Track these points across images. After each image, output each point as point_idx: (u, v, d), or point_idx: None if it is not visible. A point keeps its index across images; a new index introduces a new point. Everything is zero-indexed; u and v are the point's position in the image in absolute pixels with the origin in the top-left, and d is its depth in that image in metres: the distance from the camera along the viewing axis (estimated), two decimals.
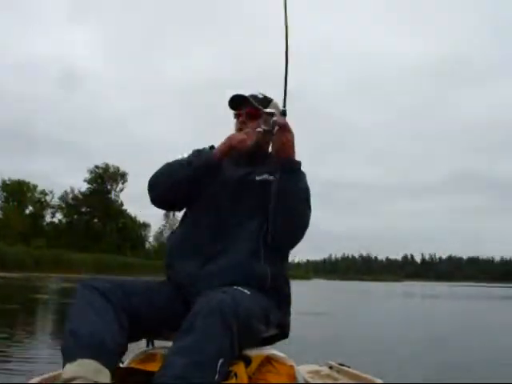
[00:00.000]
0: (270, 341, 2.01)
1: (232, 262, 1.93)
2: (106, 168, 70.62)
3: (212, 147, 2.11)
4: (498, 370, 6.99)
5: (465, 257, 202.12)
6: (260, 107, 2.15)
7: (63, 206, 70.11)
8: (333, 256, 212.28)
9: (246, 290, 1.79)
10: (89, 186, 70.47)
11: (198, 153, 2.11)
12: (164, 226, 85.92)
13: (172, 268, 2.04)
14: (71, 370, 1.56)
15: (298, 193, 1.98)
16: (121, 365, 1.84)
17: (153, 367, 1.77)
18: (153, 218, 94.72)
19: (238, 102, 2.20)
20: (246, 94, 2.20)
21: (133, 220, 74.37)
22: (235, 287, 1.79)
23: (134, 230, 73.55)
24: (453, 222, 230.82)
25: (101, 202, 67.77)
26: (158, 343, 1.99)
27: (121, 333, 1.71)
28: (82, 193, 70.39)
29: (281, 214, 1.96)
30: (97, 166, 70.39)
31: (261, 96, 2.23)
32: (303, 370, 2.07)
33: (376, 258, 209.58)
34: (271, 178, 2.08)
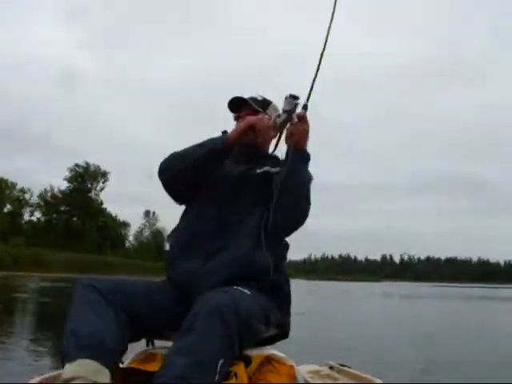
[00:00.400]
0: (270, 341, 2.01)
1: (233, 256, 1.92)
2: (87, 167, 70.18)
3: (225, 132, 2.10)
4: (476, 368, 7.16)
5: (443, 257, 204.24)
6: (260, 109, 2.18)
7: (42, 204, 69.50)
8: (312, 256, 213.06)
9: (246, 290, 1.79)
10: (69, 184, 70.04)
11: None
12: (144, 225, 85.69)
13: (173, 266, 2.02)
14: (71, 369, 1.56)
15: (305, 180, 2.00)
16: (121, 365, 1.83)
17: (153, 367, 1.77)
18: (133, 217, 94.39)
19: (237, 105, 2.22)
20: (245, 96, 2.22)
21: (113, 219, 74.08)
22: (235, 287, 1.78)
23: (114, 228, 73.23)
24: (431, 223, 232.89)
25: (81, 201, 67.42)
26: (157, 343, 1.99)
27: (121, 333, 1.71)
28: (61, 191, 70.05)
29: (286, 197, 1.95)
30: (77, 165, 70.13)
31: (260, 98, 2.25)
32: (303, 370, 2.07)
33: (355, 258, 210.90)
34: (273, 170, 2.10)
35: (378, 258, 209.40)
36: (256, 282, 1.91)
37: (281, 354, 1.88)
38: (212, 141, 2.04)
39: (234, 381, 1.66)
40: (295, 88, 2.00)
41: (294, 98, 1.97)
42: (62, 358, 1.63)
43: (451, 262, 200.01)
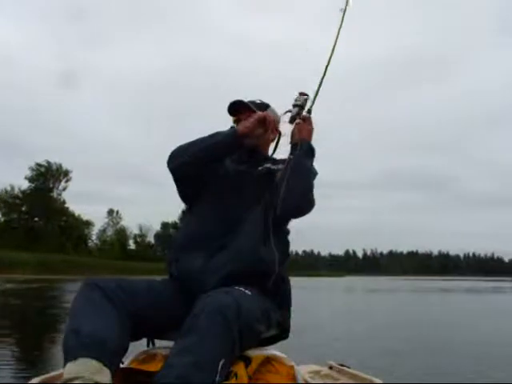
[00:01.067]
0: (270, 341, 2.01)
1: (238, 251, 1.94)
2: (49, 166, 68.97)
3: (233, 127, 2.15)
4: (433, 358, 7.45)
5: (405, 251, 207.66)
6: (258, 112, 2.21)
7: (1, 204, 67.97)
8: None
9: (247, 291, 1.79)
10: (30, 184, 68.74)
11: None
12: (107, 223, 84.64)
13: (177, 262, 2.02)
14: (72, 369, 1.55)
15: (310, 171, 2.09)
16: (121, 365, 1.80)
17: (153, 367, 1.77)
18: (96, 216, 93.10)
19: (236, 108, 2.25)
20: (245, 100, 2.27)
21: (75, 218, 72.96)
22: (236, 287, 1.79)
23: (76, 228, 72.15)
24: (392, 218, 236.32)
25: (42, 201, 66.20)
26: (158, 343, 1.98)
27: (122, 333, 1.69)
28: (22, 191, 68.55)
29: (292, 185, 2.00)
30: (38, 164, 68.78)
31: (258, 101, 2.29)
32: (303, 370, 2.07)
33: (319, 253, 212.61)
34: (274, 167, 2.15)
35: (341, 253, 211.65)
36: (260, 278, 1.93)
37: (281, 355, 1.89)
38: (222, 133, 2.08)
39: (233, 381, 1.67)
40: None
41: (304, 94, 2.17)
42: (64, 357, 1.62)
43: (412, 255, 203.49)
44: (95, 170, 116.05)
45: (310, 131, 2.15)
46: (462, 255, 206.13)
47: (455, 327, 12.22)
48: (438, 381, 5.54)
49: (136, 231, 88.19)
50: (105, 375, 1.56)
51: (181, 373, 1.50)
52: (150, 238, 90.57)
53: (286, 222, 2.14)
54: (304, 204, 2.07)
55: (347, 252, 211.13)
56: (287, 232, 2.19)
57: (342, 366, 2.39)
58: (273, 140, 2.30)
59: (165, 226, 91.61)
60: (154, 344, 1.99)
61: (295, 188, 2.01)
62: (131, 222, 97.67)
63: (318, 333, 10.07)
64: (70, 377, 1.53)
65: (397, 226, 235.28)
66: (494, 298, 29.55)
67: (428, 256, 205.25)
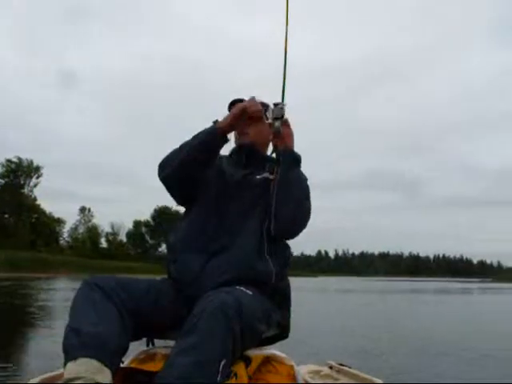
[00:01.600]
0: (270, 341, 2.01)
1: (235, 258, 1.92)
2: (19, 162, 67.94)
3: (216, 121, 2.08)
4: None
5: (376, 252, 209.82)
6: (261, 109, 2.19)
7: None
8: None
9: (248, 290, 1.79)
10: (0, 180, 67.54)
11: None
12: (79, 221, 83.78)
13: (175, 264, 2.00)
14: (73, 369, 1.54)
15: (300, 181, 2.05)
16: (121, 364, 1.79)
17: (153, 367, 1.77)
18: (68, 214, 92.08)
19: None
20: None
21: (47, 215, 72.03)
22: (237, 287, 1.78)
23: (47, 225, 71.22)
24: (364, 219, 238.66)
25: (13, 197, 65.14)
26: (158, 343, 1.98)
27: (123, 332, 1.68)
28: None
29: (283, 201, 1.99)
30: (9, 160, 67.68)
31: (258, 101, 2.23)
32: (303, 370, 2.08)
33: (292, 253, 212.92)
34: (272, 176, 2.11)
35: (313, 253, 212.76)
36: (257, 286, 1.90)
37: (281, 354, 1.89)
38: (204, 131, 2.04)
39: (233, 381, 1.66)
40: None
41: (278, 104, 2.12)
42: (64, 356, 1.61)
43: (384, 256, 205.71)
44: (67, 168, 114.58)
45: (291, 135, 2.12)
46: (432, 257, 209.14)
47: (423, 327, 12.41)
48: (437, 381, 5.60)
49: (108, 229, 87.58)
50: (105, 375, 1.55)
51: (182, 373, 1.49)
52: (122, 237, 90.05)
53: (284, 239, 2.11)
54: (299, 214, 2.02)
55: (319, 252, 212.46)
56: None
57: (341, 365, 2.39)
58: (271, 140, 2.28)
59: (137, 224, 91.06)
60: (153, 344, 1.98)
61: (286, 200, 1.99)
62: (103, 220, 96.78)
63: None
64: (71, 377, 1.52)
65: (369, 227, 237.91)
66: (462, 299, 30.06)
67: (399, 257, 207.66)
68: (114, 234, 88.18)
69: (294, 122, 2.13)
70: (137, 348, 1.92)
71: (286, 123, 2.10)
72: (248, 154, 2.23)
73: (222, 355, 1.54)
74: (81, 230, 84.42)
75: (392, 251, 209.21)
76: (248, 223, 2.02)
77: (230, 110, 2.17)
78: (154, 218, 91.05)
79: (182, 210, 2.22)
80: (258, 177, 2.14)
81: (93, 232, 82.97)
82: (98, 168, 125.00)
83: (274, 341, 2.04)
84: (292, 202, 2.00)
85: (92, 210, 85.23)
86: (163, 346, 1.93)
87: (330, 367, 2.41)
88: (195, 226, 2.05)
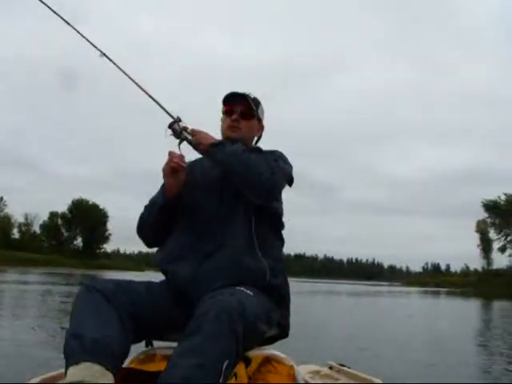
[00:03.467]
0: (270, 341, 2.01)
1: (227, 259, 1.93)
2: None
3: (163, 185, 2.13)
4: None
5: (292, 254, 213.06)
6: (253, 107, 2.19)
7: None
8: None
9: (248, 291, 1.79)
10: None
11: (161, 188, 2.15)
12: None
13: (167, 274, 2.01)
14: (75, 373, 1.55)
15: (230, 162, 1.99)
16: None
17: (153, 368, 1.79)
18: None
19: (231, 99, 2.22)
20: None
21: None
22: (238, 288, 1.79)
23: None
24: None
25: None
26: (156, 343, 1.99)
27: (124, 336, 1.69)
28: None
29: (235, 179, 2.01)
30: None
31: (252, 96, 2.24)
32: (303, 370, 2.08)
33: None
34: None
35: None
36: (253, 286, 1.89)
37: (281, 355, 1.89)
38: (158, 197, 2.11)
39: (233, 381, 1.67)
40: None
41: (175, 122, 2.06)
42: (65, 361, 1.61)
43: (300, 258, 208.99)
44: None
45: (203, 139, 2.05)
46: (345, 260, 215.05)
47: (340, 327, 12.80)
48: (437, 381, 5.69)
49: (21, 220, 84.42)
50: (108, 379, 1.56)
51: (185, 374, 1.50)
52: (36, 228, 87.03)
53: (270, 203, 2.08)
54: (249, 173, 1.98)
55: None
56: (278, 231, 2.17)
57: (341, 365, 2.41)
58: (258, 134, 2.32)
59: (53, 215, 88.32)
60: (152, 345, 1.99)
61: (234, 175, 2.00)
62: (17, 211, 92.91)
63: None
64: (74, 381, 1.53)
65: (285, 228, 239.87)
66: (373, 300, 31.29)
67: (314, 259, 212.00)
68: (28, 224, 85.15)
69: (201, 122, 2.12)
70: (136, 348, 1.92)
71: (194, 134, 2.06)
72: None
73: (225, 357, 1.55)
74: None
75: (308, 253, 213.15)
76: (235, 222, 2.01)
77: (224, 100, 2.21)
78: (70, 210, 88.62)
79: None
80: None
81: (5, 222, 79.65)
82: (14, 157, 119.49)
83: (273, 340, 2.04)
84: (238, 173, 1.98)
85: (5, 199, 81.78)
86: (162, 346, 1.95)
87: (330, 367, 2.43)
88: (180, 237, 2.04)
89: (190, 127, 2.08)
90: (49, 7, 2.22)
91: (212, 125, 2.23)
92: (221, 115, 2.27)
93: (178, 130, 2.05)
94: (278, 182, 2.04)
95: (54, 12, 2.24)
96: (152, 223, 2.10)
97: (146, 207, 2.16)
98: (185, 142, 2.07)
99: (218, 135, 2.19)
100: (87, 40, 2.23)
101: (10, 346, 6.93)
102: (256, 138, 2.31)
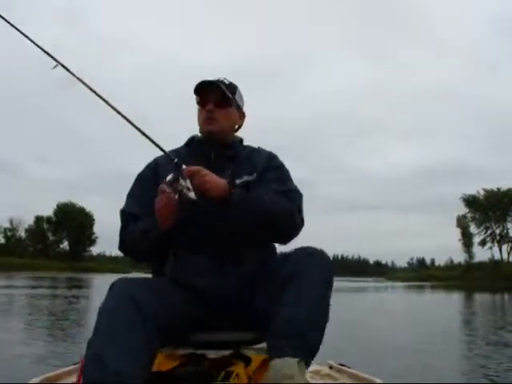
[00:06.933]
0: None
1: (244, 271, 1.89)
2: None
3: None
4: None
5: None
6: (230, 94, 2.04)
7: None
8: None
9: None
10: None
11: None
12: None
13: (188, 288, 1.88)
14: None
15: (253, 217, 1.85)
16: None
17: (155, 367, 1.74)
18: None
19: (203, 88, 2.04)
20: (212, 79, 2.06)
21: None
22: None
23: None
24: None
25: None
26: None
27: (148, 363, 1.58)
28: None
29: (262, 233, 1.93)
30: None
31: (227, 82, 2.08)
32: None
33: None
34: (251, 178, 1.99)
35: None
36: None
37: None
38: (151, 236, 1.89)
39: (233, 381, 1.68)
40: None
41: (176, 179, 1.78)
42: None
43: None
44: None
45: (206, 184, 1.80)
46: (331, 257, 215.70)
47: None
48: (437, 381, 5.60)
49: (6, 225, 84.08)
50: None
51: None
52: (21, 233, 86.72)
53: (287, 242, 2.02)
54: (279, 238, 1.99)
55: None
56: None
57: (341, 365, 2.41)
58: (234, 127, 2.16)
59: (39, 219, 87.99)
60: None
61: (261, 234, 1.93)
62: (1, 216, 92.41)
63: None
64: None
65: None
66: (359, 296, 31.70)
67: None
68: (13, 229, 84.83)
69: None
70: None
71: (192, 173, 1.80)
72: (217, 148, 2.03)
73: None
74: None
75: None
76: (242, 233, 1.90)
77: (196, 92, 2.05)
78: (56, 214, 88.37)
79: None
80: (238, 182, 1.97)
81: None
82: None
83: None
84: (267, 227, 1.90)
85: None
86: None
87: (330, 367, 2.44)
88: (188, 251, 1.94)
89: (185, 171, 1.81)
90: None
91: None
92: (196, 107, 2.11)
93: (179, 188, 1.76)
94: (303, 224, 2.00)
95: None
96: (146, 248, 1.94)
97: (131, 231, 1.97)
98: None
99: (194, 131, 2.12)
100: (40, 47, 2.03)
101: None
102: (236, 127, 2.16)
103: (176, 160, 1.85)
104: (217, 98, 2.03)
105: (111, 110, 1.92)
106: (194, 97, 2.08)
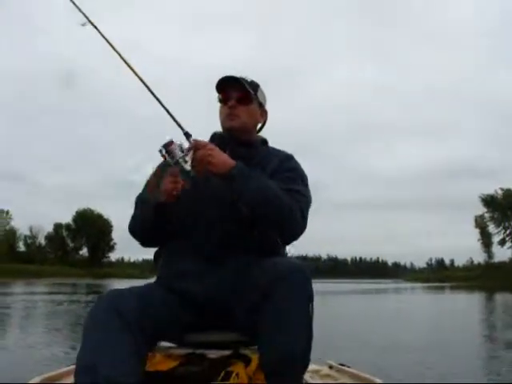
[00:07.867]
0: None
1: (236, 274, 1.84)
2: None
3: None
4: None
5: (295, 255, 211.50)
6: (251, 91, 2.02)
7: None
8: None
9: None
10: None
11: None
12: None
13: (175, 291, 1.87)
14: None
15: (259, 196, 1.82)
16: None
17: (152, 367, 1.76)
18: None
19: (225, 85, 2.03)
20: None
21: None
22: None
23: None
24: None
25: None
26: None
27: (137, 368, 1.59)
28: None
29: (264, 225, 1.89)
30: None
31: (249, 79, 2.05)
32: None
33: None
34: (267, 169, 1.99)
35: None
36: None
37: None
38: (150, 198, 1.91)
39: (234, 381, 1.68)
40: None
41: (170, 143, 1.77)
42: None
43: (303, 259, 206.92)
44: None
45: (208, 158, 1.79)
46: (349, 259, 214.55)
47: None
48: (437, 381, 5.63)
49: (26, 232, 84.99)
50: None
51: None
52: (41, 240, 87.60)
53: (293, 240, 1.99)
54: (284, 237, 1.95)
55: None
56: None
57: (341, 365, 2.40)
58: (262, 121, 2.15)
59: (58, 227, 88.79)
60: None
61: (262, 223, 1.89)
62: (22, 223, 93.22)
63: None
64: None
65: None
66: (376, 298, 31.41)
67: (317, 259, 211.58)
68: (33, 237, 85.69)
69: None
70: None
71: (199, 146, 1.81)
72: (233, 145, 1.99)
73: None
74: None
75: (310, 254, 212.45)
76: (247, 230, 1.89)
77: (218, 89, 2.05)
78: (75, 220, 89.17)
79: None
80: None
81: (10, 235, 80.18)
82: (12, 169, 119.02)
83: None
84: (269, 219, 1.87)
85: (10, 212, 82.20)
86: (162, 347, 1.92)
87: (330, 367, 2.43)
88: (187, 240, 1.92)
89: (186, 144, 1.81)
90: None
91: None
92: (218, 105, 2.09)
93: (176, 157, 1.76)
94: (304, 228, 1.95)
95: None
96: (143, 221, 1.96)
97: (136, 204, 2.05)
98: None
99: (216, 127, 2.11)
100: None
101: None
102: (260, 125, 2.15)
103: (186, 131, 1.85)
104: (239, 94, 2.01)
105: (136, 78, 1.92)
106: (217, 95, 2.07)
